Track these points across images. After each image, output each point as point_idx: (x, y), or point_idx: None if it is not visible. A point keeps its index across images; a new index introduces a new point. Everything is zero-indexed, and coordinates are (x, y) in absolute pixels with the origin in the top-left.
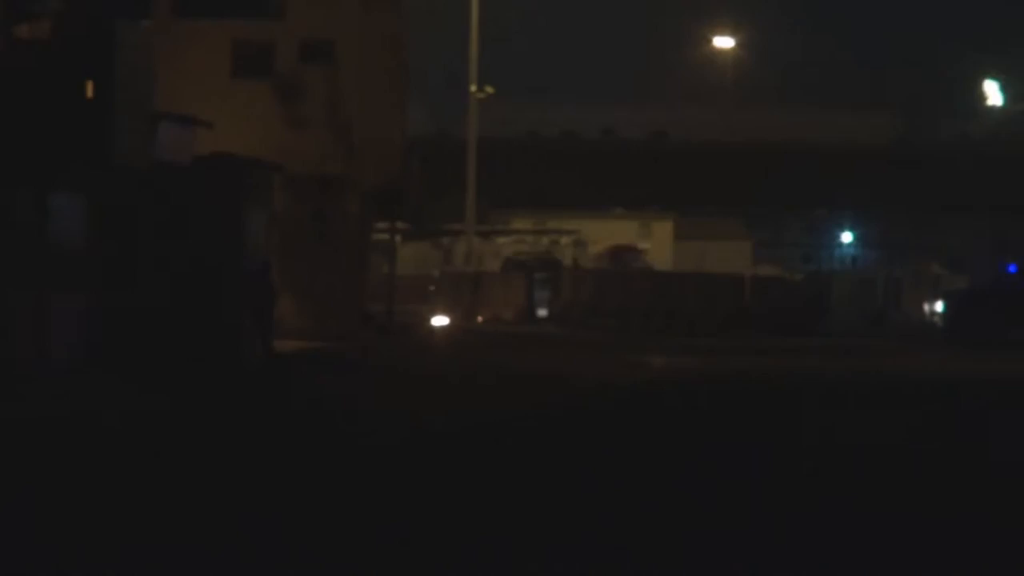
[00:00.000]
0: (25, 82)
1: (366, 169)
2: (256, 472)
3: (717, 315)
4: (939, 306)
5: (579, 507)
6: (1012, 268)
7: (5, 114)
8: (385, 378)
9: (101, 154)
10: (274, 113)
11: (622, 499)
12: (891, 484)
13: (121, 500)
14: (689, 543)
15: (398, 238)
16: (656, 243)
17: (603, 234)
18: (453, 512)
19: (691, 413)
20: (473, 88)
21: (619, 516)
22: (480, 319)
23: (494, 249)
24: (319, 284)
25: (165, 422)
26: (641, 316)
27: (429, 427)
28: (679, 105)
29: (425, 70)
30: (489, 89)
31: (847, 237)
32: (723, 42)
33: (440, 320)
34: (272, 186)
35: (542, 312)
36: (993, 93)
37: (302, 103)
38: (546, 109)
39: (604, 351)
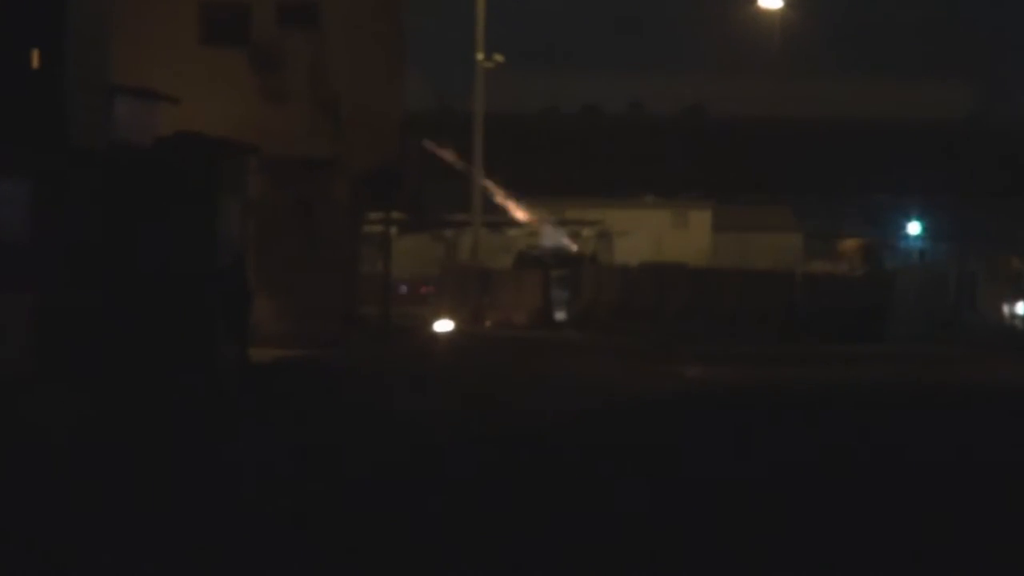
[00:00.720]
0: None
1: (356, 150)
2: (223, 507)
3: (762, 318)
4: (1020, 307)
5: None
6: None
7: None
8: (376, 392)
9: (50, 133)
10: (250, 86)
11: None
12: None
13: (53, 540)
14: None
15: (394, 230)
16: (693, 234)
17: (631, 224)
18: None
19: (718, 438)
20: (480, 56)
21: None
22: (488, 323)
23: (505, 242)
24: (302, 283)
25: (119, 445)
26: (674, 319)
27: (420, 450)
28: (718, 76)
29: (425, 36)
30: (498, 57)
31: (914, 227)
32: (769, 2)
33: (443, 324)
34: (247, 170)
35: (560, 315)
36: None
37: (282, 74)
38: (565, 81)
39: (630, 359)
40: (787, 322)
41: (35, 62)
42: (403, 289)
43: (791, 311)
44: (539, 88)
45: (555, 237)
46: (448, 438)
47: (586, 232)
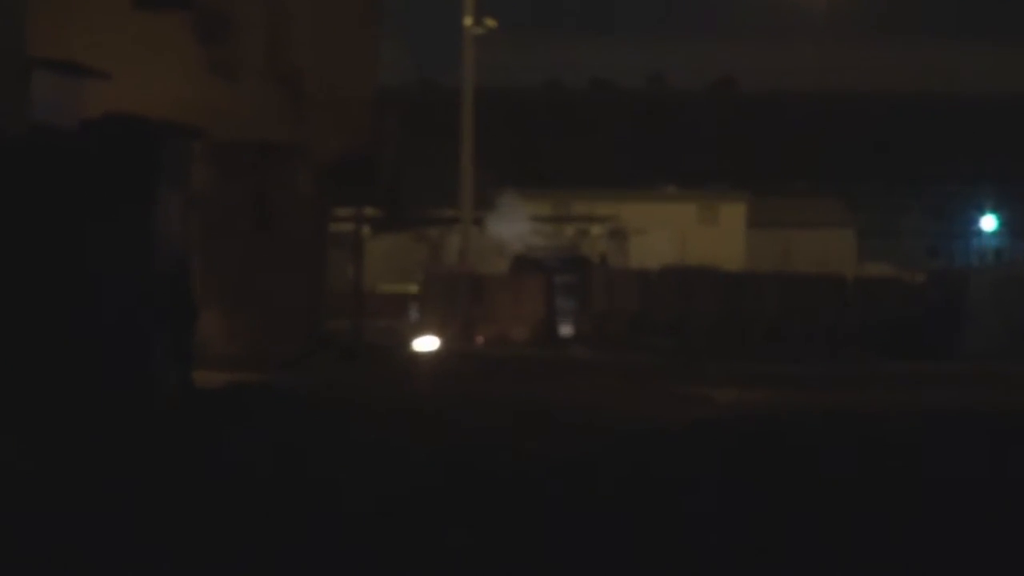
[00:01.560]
0: None
1: (322, 134)
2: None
3: (808, 331)
4: None
5: None
6: None
7: None
8: (344, 428)
9: None
10: (194, 58)
11: None
12: None
13: None
14: None
15: (367, 229)
16: (724, 232)
17: (650, 221)
18: None
19: (756, 488)
20: (468, 21)
21: None
22: (481, 339)
23: (499, 243)
24: (258, 293)
25: (31, 497)
26: (703, 333)
27: (398, 504)
28: (752, 43)
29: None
30: (490, 22)
31: (989, 222)
32: None
33: (427, 341)
34: (192, 158)
35: (566, 329)
36: None
37: (233, 44)
38: (571, 50)
39: (649, 381)
40: (838, 336)
41: None
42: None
43: (843, 322)
44: (540, 59)
45: (513, 229)
46: (423, 493)
47: (596, 230)
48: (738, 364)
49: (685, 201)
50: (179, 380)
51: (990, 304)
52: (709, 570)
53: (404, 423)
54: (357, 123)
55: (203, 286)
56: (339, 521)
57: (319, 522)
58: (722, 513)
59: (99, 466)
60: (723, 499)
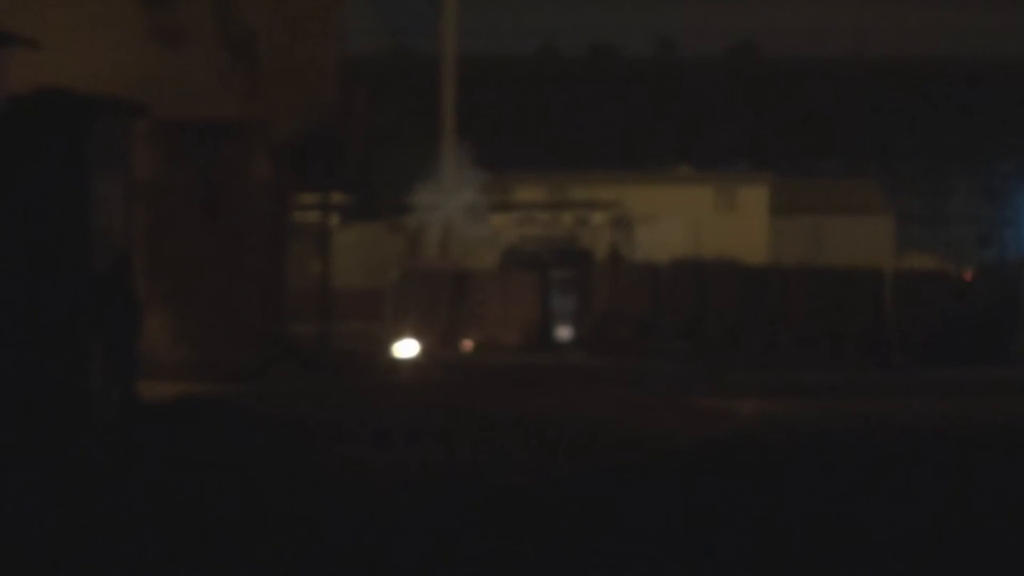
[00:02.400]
0: None
1: (281, 109)
2: None
3: (841, 332)
4: None
5: None
6: None
7: None
8: (313, 449)
9: None
10: (135, 25)
11: None
12: None
13: None
14: None
15: (335, 218)
16: (744, 219)
17: (659, 207)
18: None
19: (785, 518)
20: None
21: None
22: (467, 344)
23: (487, 234)
24: (210, 293)
25: None
26: (721, 336)
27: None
28: (775, 2)
29: None
30: None
31: None
32: None
33: (405, 347)
34: (133, 138)
35: (564, 332)
36: None
37: (178, 7)
38: (568, 12)
39: (661, 391)
40: (875, 338)
41: None
42: None
43: (880, 323)
44: (532, 22)
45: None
46: (402, 526)
47: (597, 218)
48: (761, 371)
49: (699, 184)
50: (120, 394)
51: None
52: None
53: (378, 443)
54: (321, 97)
55: (147, 286)
56: (307, 562)
57: (282, 563)
58: (729, 546)
59: (26, 498)
60: (735, 531)
